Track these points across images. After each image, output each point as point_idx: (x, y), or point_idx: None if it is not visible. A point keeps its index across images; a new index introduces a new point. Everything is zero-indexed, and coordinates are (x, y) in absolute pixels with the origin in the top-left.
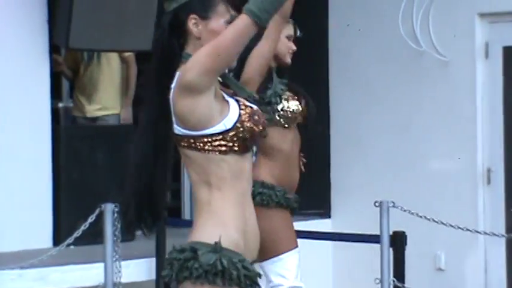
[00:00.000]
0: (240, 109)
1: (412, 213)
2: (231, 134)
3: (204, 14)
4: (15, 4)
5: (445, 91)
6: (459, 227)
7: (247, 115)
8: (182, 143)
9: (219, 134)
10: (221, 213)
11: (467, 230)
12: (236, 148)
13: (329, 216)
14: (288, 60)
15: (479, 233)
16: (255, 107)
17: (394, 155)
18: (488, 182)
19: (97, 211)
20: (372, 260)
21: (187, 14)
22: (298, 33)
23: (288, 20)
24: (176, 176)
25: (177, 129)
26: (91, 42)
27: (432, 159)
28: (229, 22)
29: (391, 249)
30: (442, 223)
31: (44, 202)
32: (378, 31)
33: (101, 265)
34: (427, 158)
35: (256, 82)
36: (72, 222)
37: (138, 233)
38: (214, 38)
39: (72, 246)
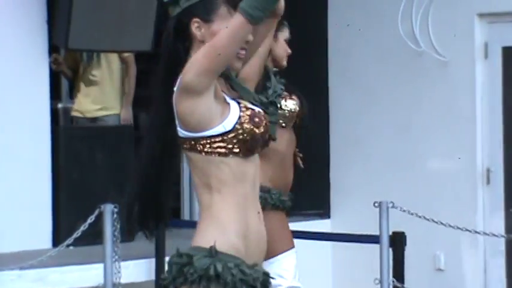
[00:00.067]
0: (241, 111)
1: (412, 214)
2: (230, 136)
3: (207, 17)
4: (14, 4)
5: (445, 91)
6: (458, 227)
7: (247, 117)
8: (184, 145)
9: (218, 135)
10: (221, 217)
11: (467, 230)
12: (236, 150)
13: (328, 217)
14: (285, 63)
15: (479, 233)
16: (257, 109)
17: (393, 155)
18: (488, 182)
19: (96, 212)
20: (372, 260)
21: (190, 18)
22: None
23: (282, 22)
24: (176, 177)
25: (180, 132)
26: (90, 43)
27: (431, 159)
28: None
29: (390, 250)
30: (442, 223)
31: (43, 203)
32: (377, 31)
33: (101, 266)
34: (426, 158)
35: (254, 82)
36: (72, 222)
37: (138, 233)
38: None
39: (71, 247)
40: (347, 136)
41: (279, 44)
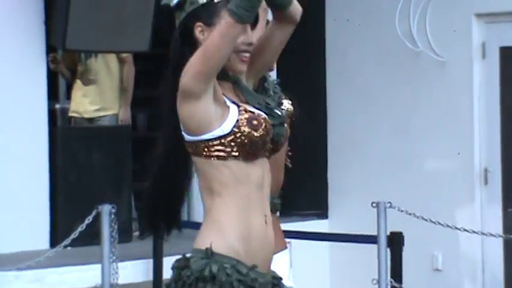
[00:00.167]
0: (239, 114)
1: (409, 214)
2: (228, 139)
3: (209, 21)
4: (11, 5)
5: (442, 91)
6: (456, 228)
7: (245, 120)
8: (189, 149)
9: (216, 139)
10: (221, 220)
11: (465, 230)
12: (236, 154)
13: (326, 217)
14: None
15: (477, 233)
16: (257, 112)
17: (391, 155)
18: (486, 182)
19: (94, 212)
20: (369, 260)
21: (193, 22)
22: None
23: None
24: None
25: (184, 136)
26: (88, 43)
27: (429, 159)
28: None
29: (388, 250)
30: (439, 223)
31: (41, 203)
32: (375, 31)
33: (98, 266)
34: (424, 158)
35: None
36: (69, 223)
37: (135, 234)
38: None
39: (69, 248)
40: (345, 136)
41: None
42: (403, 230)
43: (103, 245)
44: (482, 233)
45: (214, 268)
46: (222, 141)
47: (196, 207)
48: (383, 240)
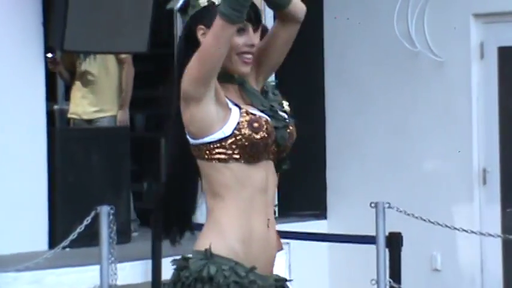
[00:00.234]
0: (240, 116)
1: (408, 214)
2: (229, 141)
3: (210, 24)
4: (9, 6)
5: (440, 91)
6: (455, 228)
7: (246, 122)
8: (193, 153)
9: (217, 141)
10: (221, 221)
11: (463, 230)
12: (237, 156)
13: (325, 217)
14: None
15: (475, 233)
16: (258, 114)
17: (389, 156)
18: (484, 182)
19: (93, 213)
20: (368, 261)
21: (196, 25)
22: None
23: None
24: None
25: (189, 139)
26: (86, 44)
27: (428, 159)
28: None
29: (387, 250)
30: (438, 224)
31: (39, 204)
32: (373, 32)
33: (97, 267)
34: (422, 159)
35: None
36: (68, 224)
37: (134, 234)
38: None
39: (67, 249)
40: (343, 137)
41: None
42: (402, 231)
43: (102, 246)
44: (481, 233)
45: (212, 269)
46: (223, 143)
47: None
48: (382, 241)
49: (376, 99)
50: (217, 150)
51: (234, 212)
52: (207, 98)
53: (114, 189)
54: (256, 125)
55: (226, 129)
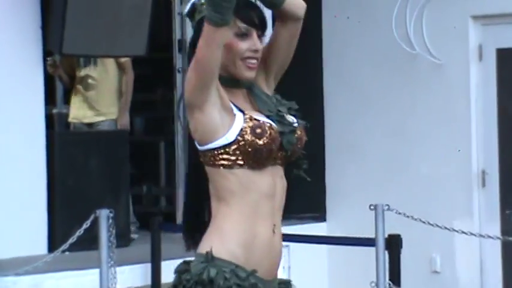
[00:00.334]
0: (244, 122)
1: (407, 216)
2: (232, 147)
3: None
4: (8, 10)
5: (439, 94)
6: (454, 230)
7: (249, 128)
8: (201, 159)
9: (221, 147)
10: (224, 227)
11: (463, 232)
12: (241, 162)
13: (324, 220)
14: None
15: (475, 235)
16: (262, 119)
17: (388, 158)
18: (483, 184)
19: (92, 217)
20: (368, 263)
21: (201, 30)
22: None
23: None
24: (171, 182)
25: (197, 146)
26: (84, 48)
27: (427, 161)
28: (238, 34)
29: (386, 252)
30: (437, 226)
31: (38, 208)
32: (371, 34)
33: (96, 271)
34: (421, 161)
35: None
36: (67, 228)
37: (134, 236)
38: (226, 51)
39: (67, 253)
40: (342, 139)
41: None
42: (401, 233)
43: (101, 250)
44: (480, 235)
45: (213, 272)
46: (227, 149)
47: None
48: (381, 243)
49: (375, 101)
50: (221, 157)
51: (238, 217)
52: (209, 105)
53: (113, 192)
54: (259, 130)
55: (230, 136)
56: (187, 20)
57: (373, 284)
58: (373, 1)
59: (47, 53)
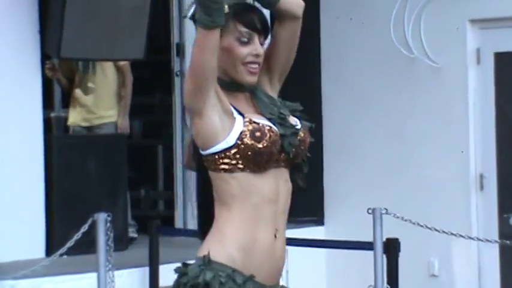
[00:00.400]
0: (244, 125)
1: (405, 220)
2: (233, 151)
3: None
4: (6, 14)
5: (437, 97)
6: (452, 233)
7: (248, 132)
8: (205, 164)
9: (222, 152)
10: (224, 230)
11: (461, 236)
12: (241, 166)
13: (322, 224)
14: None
15: (473, 239)
16: (262, 123)
17: (387, 162)
18: (481, 187)
19: (90, 221)
20: (366, 267)
21: None
22: None
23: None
24: (169, 185)
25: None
26: (83, 52)
27: (425, 165)
28: (239, 38)
29: (384, 256)
30: (436, 229)
31: (36, 212)
32: (369, 38)
33: (94, 275)
34: (419, 164)
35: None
36: (65, 232)
37: (134, 236)
38: (227, 55)
39: (65, 256)
40: (340, 142)
41: None
42: (399, 236)
43: (99, 253)
44: (478, 239)
45: (209, 276)
46: (227, 153)
47: (189, 215)
48: (379, 247)
49: (373, 104)
50: (222, 161)
51: (238, 221)
52: (208, 109)
53: (111, 196)
54: (258, 134)
55: (230, 140)
56: (186, 24)
57: None
58: (372, 4)
59: (45, 57)
